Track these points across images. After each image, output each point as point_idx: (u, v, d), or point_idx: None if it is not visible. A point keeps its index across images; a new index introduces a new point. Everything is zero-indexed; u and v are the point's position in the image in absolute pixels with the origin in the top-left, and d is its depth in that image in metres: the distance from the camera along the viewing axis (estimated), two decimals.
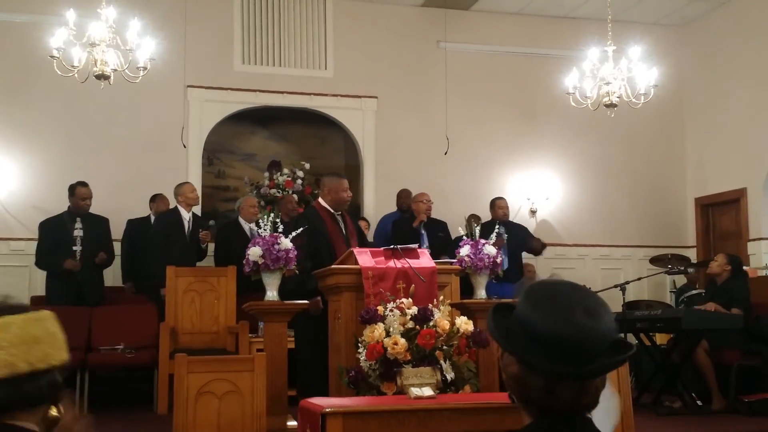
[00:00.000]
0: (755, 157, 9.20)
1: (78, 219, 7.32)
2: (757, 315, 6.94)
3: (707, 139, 10.04)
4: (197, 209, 7.99)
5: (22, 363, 1.44)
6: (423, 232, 8.12)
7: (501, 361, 1.60)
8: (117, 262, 7.94)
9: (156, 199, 8.13)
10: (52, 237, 7.29)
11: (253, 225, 7.65)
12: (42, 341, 1.48)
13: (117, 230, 7.90)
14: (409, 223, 8.17)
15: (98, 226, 7.45)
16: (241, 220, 7.89)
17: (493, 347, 4.58)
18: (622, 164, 10.13)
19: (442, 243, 7.98)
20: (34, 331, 1.48)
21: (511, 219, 8.90)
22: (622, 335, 7.03)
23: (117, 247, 7.88)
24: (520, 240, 8.57)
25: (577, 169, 10.02)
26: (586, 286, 6.77)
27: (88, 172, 8.31)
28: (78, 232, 7.25)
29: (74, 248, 7.22)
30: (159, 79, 8.04)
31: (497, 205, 8.64)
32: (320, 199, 5.82)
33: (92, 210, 7.56)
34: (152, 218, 8.06)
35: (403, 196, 8.72)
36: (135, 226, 8.03)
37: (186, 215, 7.42)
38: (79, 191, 7.38)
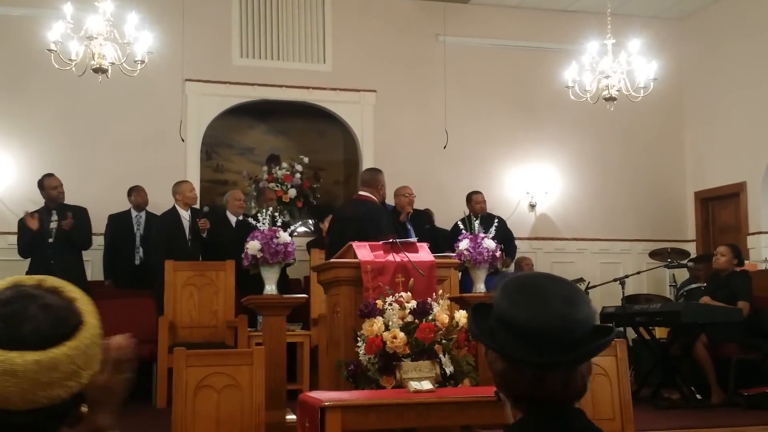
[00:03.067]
0: (755, 150, 9.19)
1: (54, 212, 7.27)
2: (756, 309, 6.94)
3: (707, 133, 10.02)
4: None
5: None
6: (409, 226, 8.06)
7: (486, 358, 1.60)
8: (99, 255, 7.93)
9: (133, 192, 8.09)
10: (24, 230, 7.23)
11: (240, 218, 7.67)
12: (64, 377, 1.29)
13: None
14: (394, 218, 8.06)
15: (75, 215, 7.33)
16: (228, 213, 7.92)
17: (480, 345, 4.57)
18: (622, 158, 10.11)
19: (430, 234, 7.91)
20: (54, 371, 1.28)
21: (510, 213, 8.88)
22: (620, 327, 7.03)
23: (100, 239, 7.89)
24: (500, 233, 8.43)
25: (576, 163, 10.00)
26: (584, 279, 6.70)
27: (86, 166, 8.31)
28: (53, 224, 7.21)
29: (50, 240, 7.18)
30: (157, 72, 8.01)
31: (474, 199, 8.54)
32: (370, 194, 5.85)
33: (92, 205, 7.56)
34: (132, 212, 8.04)
35: None
36: (116, 220, 8.01)
37: (184, 214, 7.40)
38: (47, 182, 7.35)
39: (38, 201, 7.57)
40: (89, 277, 7.90)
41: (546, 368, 1.50)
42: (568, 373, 1.52)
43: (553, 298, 1.51)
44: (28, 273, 7.21)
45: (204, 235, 7.42)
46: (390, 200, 8.56)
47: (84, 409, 1.40)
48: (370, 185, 5.91)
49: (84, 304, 1.37)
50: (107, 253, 7.97)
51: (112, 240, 7.94)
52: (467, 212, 8.36)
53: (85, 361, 1.31)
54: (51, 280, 1.41)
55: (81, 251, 7.54)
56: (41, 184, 7.38)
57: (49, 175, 7.41)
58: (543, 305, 1.50)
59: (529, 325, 1.49)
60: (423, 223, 8.17)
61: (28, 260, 7.41)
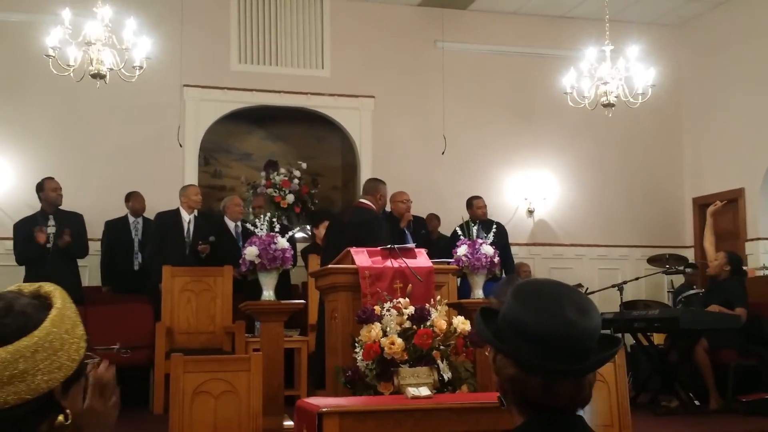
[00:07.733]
0: (753, 156, 9.20)
1: (51, 216, 7.16)
2: (755, 315, 6.93)
3: (705, 139, 10.03)
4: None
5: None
6: (407, 231, 8.05)
7: (494, 364, 1.59)
8: (96, 261, 7.91)
9: (131, 197, 8.09)
10: (25, 236, 7.12)
11: (238, 224, 7.70)
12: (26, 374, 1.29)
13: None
14: (393, 224, 8.05)
15: (71, 221, 7.24)
16: (227, 219, 7.91)
17: (486, 349, 4.55)
18: (620, 164, 10.12)
19: (425, 240, 7.92)
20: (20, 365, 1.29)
21: (509, 219, 8.87)
22: (618, 333, 7.02)
23: (97, 245, 7.87)
24: (499, 238, 8.40)
25: (574, 169, 10.00)
26: (582, 285, 6.70)
27: (84, 172, 8.30)
28: (51, 230, 7.09)
29: (47, 245, 7.04)
30: (155, 78, 8.01)
31: (475, 204, 8.49)
32: (369, 202, 6.03)
33: (89, 210, 7.54)
34: (129, 217, 8.04)
35: None
36: (113, 226, 7.99)
37: (186, 217, 7.41)
38: (48, 184, 7.23)
39: (35, 206, 7.54)
40: (86, 283, 7.87)
41: (557, 375, 1.50)
42: (577, 380, 1.53)
43: (566, 305, 1.52)
44: (25, 280, 7.17)
45: (202, 256, 7.43)
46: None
47: (61, 419, 1.37)
48: (370, 194, 6.10)
49: (60, 310, 1.36)
50: (105, 261, 7.92)
51: (109, 247, 7.90)
52: (465, 218, 8.39)
53: (33, 367, 1.29)
54: (47, 287, 1.40)
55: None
56: (41, 186, 7.32)
57: (50, 178, 7.37)
58: (557, 312, 1.51)
59: (542, 331, 1.49)
60: (418, 229, 8.18)
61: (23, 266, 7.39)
